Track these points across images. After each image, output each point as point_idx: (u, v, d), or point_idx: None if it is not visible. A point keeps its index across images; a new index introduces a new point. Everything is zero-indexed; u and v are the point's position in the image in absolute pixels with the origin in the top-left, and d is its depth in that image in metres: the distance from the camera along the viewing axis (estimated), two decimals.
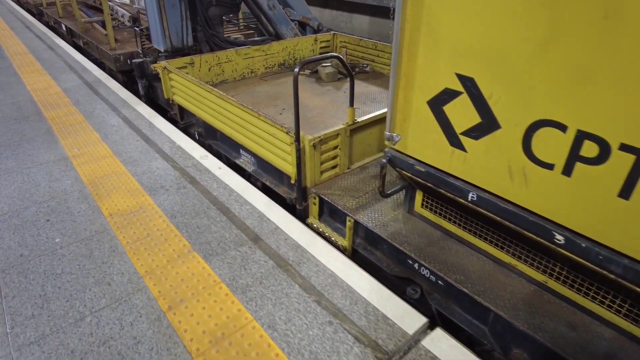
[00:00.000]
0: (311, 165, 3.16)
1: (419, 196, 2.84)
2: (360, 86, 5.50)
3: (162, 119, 4.43)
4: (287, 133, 3.17)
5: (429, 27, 2.04)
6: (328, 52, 6.59)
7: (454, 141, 2.12)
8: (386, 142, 2.53)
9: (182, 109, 5.02)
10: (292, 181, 3.35)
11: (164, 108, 5.70)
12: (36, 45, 7.43)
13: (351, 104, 3.21)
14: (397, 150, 2.49)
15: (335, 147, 3.29)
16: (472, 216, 2.46)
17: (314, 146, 3.08)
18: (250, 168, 4.06)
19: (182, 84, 4.62)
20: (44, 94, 4.97)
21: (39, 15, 12.43)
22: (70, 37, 9.80)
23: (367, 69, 6.02)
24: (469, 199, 2.17)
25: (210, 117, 4.34)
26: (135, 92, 7.32)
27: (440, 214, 2.74)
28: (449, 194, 2.30)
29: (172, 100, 5.01)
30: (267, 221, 2.93)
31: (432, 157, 2.28)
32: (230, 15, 6.14)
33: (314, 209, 3.27)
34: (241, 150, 4.16)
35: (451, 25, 1.95)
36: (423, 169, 2.36)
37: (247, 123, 3.72)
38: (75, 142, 3.86)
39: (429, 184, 2.39)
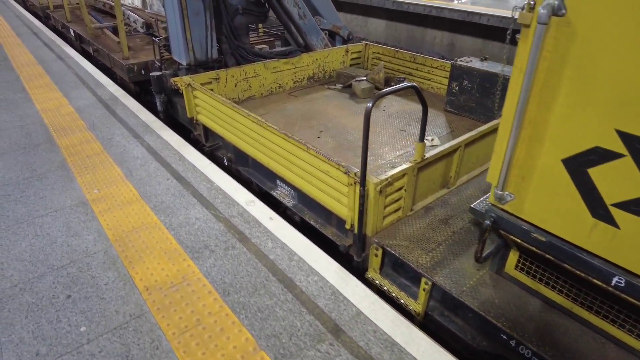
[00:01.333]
0: (374, 212, 2.66)
1: (513, 256, 2.35)
2: (399, 103, 5.01)
3: (192, 149, 3.88)
4: (345, 173, 2.67)
5: (579, 68, 1.55)
6: (359, 64, 6.11)
7: (600, 212, 1.62)
8: (491, 200, 2.04)
9: (207, 129, 4.54)
10: (348, 226, 2.86)
11: (184, 126, 5.22)
12: (45, 54, 6.95)
13: (422, 138, 2.71)
14: (507, 212, 2.00)
15: (400, 189, 2.79)
16: (606, 299, 1.96)
17: (380, 191, 2.59)
18: (289, 202, 3.57)
19: (209, 104, 4.14)
20: (55, 115, 4.45)
21: (45, 18, 11.99)
22: (79, 43, 9.33)
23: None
24: (613, 284, 1.67)
25: (242, 143, 3.86)
26: (149, 104, 6.86)
27: (541, 280, 2.25)
28: (579, 273, 1.80)
29: (197, 120, 4.53)
30: (345, 302, 2.33)
31: (559, 227, 1.78)
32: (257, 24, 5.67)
33: (375, 262, 2.77)
34: (278, 181, 3.67)
35: (617, 67, 1.46)
36: (544, 239, 1.86)
37: (290, 154, 3.23)
38: (95, 180, 3.31)
39: (549, 257, 1.89)
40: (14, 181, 3.37)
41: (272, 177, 3.71)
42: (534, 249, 1.96)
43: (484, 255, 2.26)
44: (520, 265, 2.34)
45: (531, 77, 1.67)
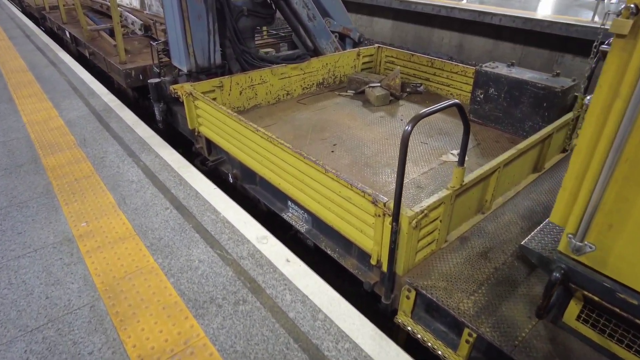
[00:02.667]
0: (407, 249, 2.29)
1: (574, 306, 1.98)
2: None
3: (194, 170, 3.45)
4: (373, 203, 2.30)
5: None
6: (371, 68, 5.74)
7: None
8: (561, 248, 1.67)
9: (210, 142, 4.17)
10: (373, 262, 2.49)
11: (183, 136, 4.84)
12: (37, 60, 6.55)
13: (462, 162, 2.34)
14: (583, 264, 1.62)
15: (435, 219, 2.42)
16: None
17: (415, 225, 2.21)
18: (302, 226, 3.20)
19: (212, 115, 3.77)
20: (42, 128, 4.03)
21: (41, 20, 11.60)
22: (74, 46, 8.96)
23: (421, 89, 5.15)
24: None
25: (250, 159, 3.49)
26: (146, 110, 6.48)
27: (612, 336, 1.88)
28: None
29: (199, 132, 4.16)
30: None
31: None
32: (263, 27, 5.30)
33: (406, 305, 2.40)
34: (290, 203, 3.30)
35: None
36: (635, 302, 1.49)
37: (305, 175, 2.86)
38: (83, 210, 2.88)
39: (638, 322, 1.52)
40: None
41: (283, 198, 3.34)
42: (617, 309, 1.59)
43: (547, 310, 1.89)
44: (584, 316, 1.97)
45: (633, 106, 1.29)
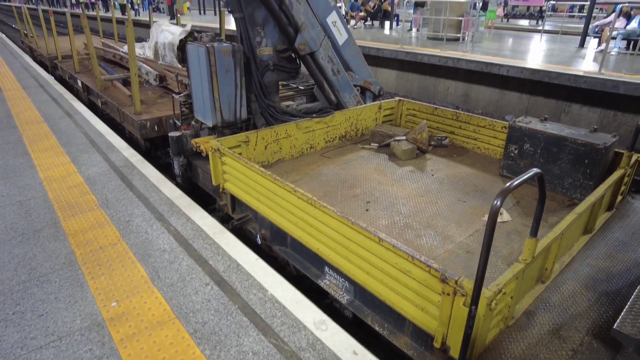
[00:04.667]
0: (482, 332, 2.03)
1: None
2: (447, 166, 4.49)
3: (231, 236, 3.15)
4: (442, 281, 2.06)
5: None
6: (392, 120, 5.68)
7: None
8: None
9: (235, 199, 3.97)
10: (437, 345, 2.22)
11: (202, 190, 4.65)
12: (51, 110, 6.47)
13: (534, 233, 2.13)
14: None
15: (508, 296, 2.18)
16: None
17: (493, 305, 1.97)
18: (342, 297, 2.93)
19: (241, 172, 3.59)
20: (61, 186, 3.81)
21: (52, 69, 11.76)
22: (86, 95, 8.98)
23: (446, 142, 5.05)
24: None
25: (281, 219, 3.27)
26: (158, 161, 6.33)
27: None
28: None
29: (224, 189, 3.97)
30: None
31: None
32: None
33: None
34: (327, 269, 3.05)
35: None
36: None
37: (350, 241, 2.64)
38: (112, 286, 2.55)
39: None
40: (6, 287, 2.55)
41: (319, 262, 3.09)
42: None
43: None
44: None
45: None
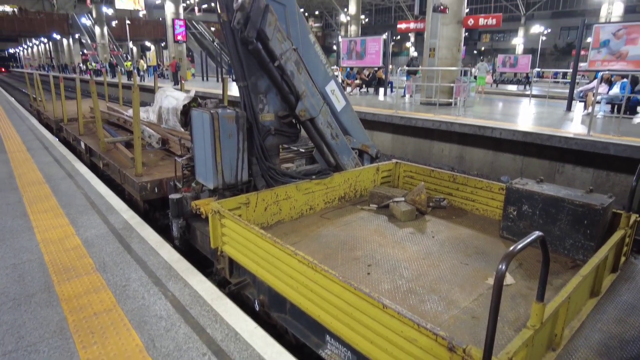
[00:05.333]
0: None
1: None
2: (446, 227, 4.49)
3: (230, 303, 3.05)
4: (450, 349, 1.98)
5: None
6: (390, 182, 5.76)
7: None
8: None
9: (233, 262, 3.90)
10: None
11: (200, 253, 4.59)
12: (54, 172, 6.56)
13: (541, 297, 2.09)
14: None
15: None
16: None
17: None
18: None
19: (240, 234, 3.57)
20: (58, 249, 3.77)
21: (57, 130, 12.07)
22: (88, 156, 9.15)
23: (444, 203, 5.09)
24: None
25: (281, 284, 3.20)
26: (156, 222, 6.28)
27: None
28: None
29: (222, 252, 3.92)
30: None
31: None
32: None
33: None
34: (329, 338, 2.93)
35: None
36: None
37: (353, 308, 2.56)
38: (104, 356, 2.39)
39: None
40: None
41: (320, 330, 2.98)
42: None
43: None
44: None
45: None
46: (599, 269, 3.14)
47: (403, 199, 4.88)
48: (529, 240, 1.85)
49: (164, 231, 5.61)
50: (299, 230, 4.39)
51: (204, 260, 4.60)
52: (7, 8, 48.68)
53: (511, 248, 1.75)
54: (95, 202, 5.04)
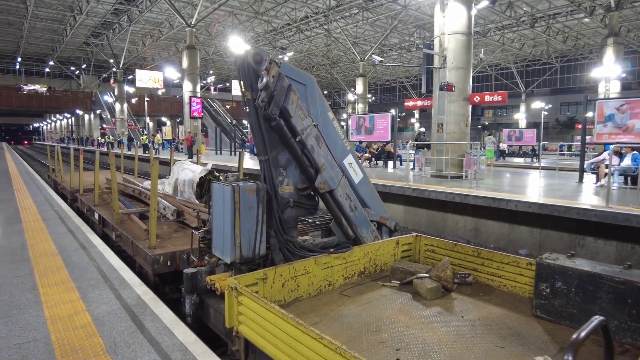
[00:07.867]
0: None
1: None
2: (476, 306, 4.21)
3: None
4: None
5: None
6: (410, 256, 5.57)
7: None
8: None
9: (249, 344, 3.64)
10: None
11: (211, 331, 4.32)
12: (67, 243, 6.49)
13: None
14: None
15: None
16: None
17: None
18: None
19: (259, 314, 3.36)
20: (66, 326, 3.57)
21: (72, 201, 12.19)
22: (101, 227, 9.11)
23: (470, 279, 4.84)
24: None
25: None
26: (166, 297, 6.03)
27: None
28: None
29: (237, 332, 3.67)
30: None
31: None
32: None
33: None
34: None
35: None
36: None
37: None
38: None
39: None
40: None
41: None
42: None
43: None
44: None
45: None
46: None
47: (427, 275, 4.67)
48: (591, 326, 1.68)
49: (174, 306, 5.36)
50: (319, 309, 4.15)
51: (214, 339, 4.31)
52: (39, 87, 52.33)
53: (574, 336, 1.58)
54: (107, 275, 4.89)
